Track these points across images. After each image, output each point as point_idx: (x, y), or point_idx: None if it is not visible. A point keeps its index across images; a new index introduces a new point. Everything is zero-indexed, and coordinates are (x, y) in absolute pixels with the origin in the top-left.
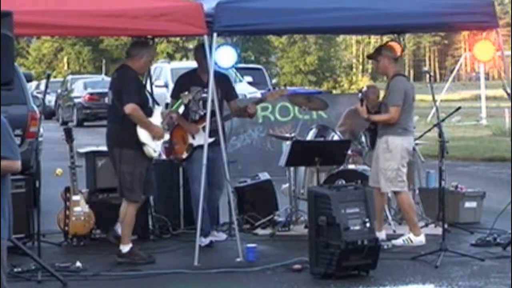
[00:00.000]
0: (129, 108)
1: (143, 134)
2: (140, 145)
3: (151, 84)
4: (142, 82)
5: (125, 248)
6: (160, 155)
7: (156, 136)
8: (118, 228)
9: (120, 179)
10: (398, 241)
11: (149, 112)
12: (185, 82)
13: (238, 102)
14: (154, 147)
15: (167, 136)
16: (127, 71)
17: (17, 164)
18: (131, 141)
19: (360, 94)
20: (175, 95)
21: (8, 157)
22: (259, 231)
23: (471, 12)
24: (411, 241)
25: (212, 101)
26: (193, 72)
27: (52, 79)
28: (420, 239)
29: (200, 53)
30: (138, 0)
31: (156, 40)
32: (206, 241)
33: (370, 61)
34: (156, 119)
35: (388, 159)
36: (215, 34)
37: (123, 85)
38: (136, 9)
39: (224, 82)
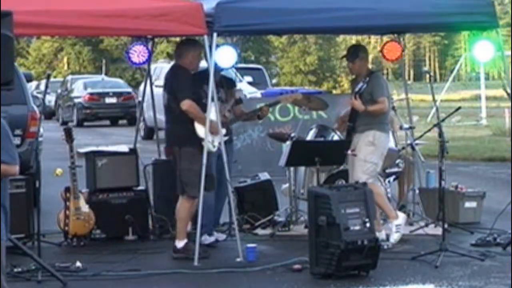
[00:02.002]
0: (185, 104)
1: (200, 130)
2: (198, 141)
3: (151, 84)
4: (194, 79)
5: (179, 243)
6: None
7: (213, 131)
8: (178, 242)
9: (179, 176)
10: (395, 237)
11: (203, 108)
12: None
13: (243, 107)
14: (212, 142)
15: (223, 131)
16: (177, 70)
17: (15, 169)
18: (189, 138)
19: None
20: None
21: (6, 162)
22: (259, 231)
23: (471, 12)
24: (399, 227)
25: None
26: (204, 72)
27: (52, 79)
28: (401, 218)
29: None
30: (138, 0)
31: (156, 40)
32: (211, 239)
33: (370, 61)
34: (212, 114)
35: (370, 152)
36: (215, 34)
37: (176, 84)
38: (136, 9)
39: (230, 86)
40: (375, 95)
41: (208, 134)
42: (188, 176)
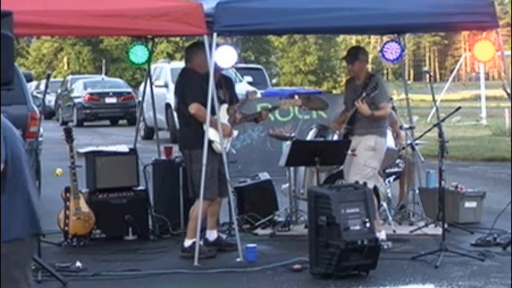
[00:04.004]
0: (193, 108)
1: (210, 132)
2: (208, 143)
3: (151, 84)
4: (204, 82)
5: (187, 242)
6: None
7: (223, 134)
8: (186, 241)
9: (192, 179)
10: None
11: (213, 111)
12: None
13: (245, 109)
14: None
15: (235, 132)
16: (187, 73)
17: None
18: (199, 141)
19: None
20: None
21: None
22: (259, 231)
23: (471, 12)
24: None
25: (229, 101)
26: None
27: (52, 79)
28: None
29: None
30: (138, 0)
31: (156, 40)
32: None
33: (370, 61)
34: (222, 116)
35: (371, 157)
36: (215, 34)
37: (185, 87)
38: (136, 9)
39: (228, 85)
40: (378, 100)
41: (217, 136)
42: (200, 178)
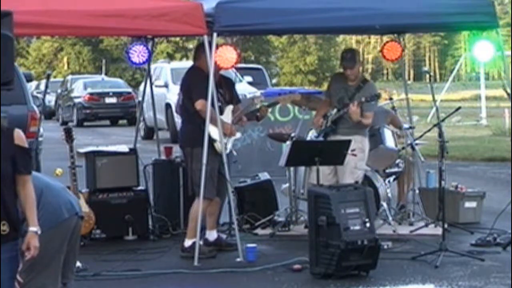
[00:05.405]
0: (200, 104)
1: (213, 131)
2: (210, 142)
3: (151, 84)
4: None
5: (188, 242)
6: (160, 155)
7: (226, 133)
8: (187, 241)
9: (192, 177)
10: None
11: (218, 111)
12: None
13: (242, 106)
14: (225, 144)
15: (238, 134)
16: (195, 71)
17: None
18: (201, 139)
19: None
20: None
21: None
22: (259, 231)
23: (471, 12)
24: None
25: (229, 101)
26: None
27: (52, 79)
28: None
29: None
30: (138, 0)
31: (156, 40)
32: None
33: (370, 61)
34: (226, 117)
35: (360, 159)
36: (215, 34)
37: (192, 84)
38: (136, 9)
39: (228, 84)
40: (368, 108)
41: (221, 135)
42: (200, 177)
